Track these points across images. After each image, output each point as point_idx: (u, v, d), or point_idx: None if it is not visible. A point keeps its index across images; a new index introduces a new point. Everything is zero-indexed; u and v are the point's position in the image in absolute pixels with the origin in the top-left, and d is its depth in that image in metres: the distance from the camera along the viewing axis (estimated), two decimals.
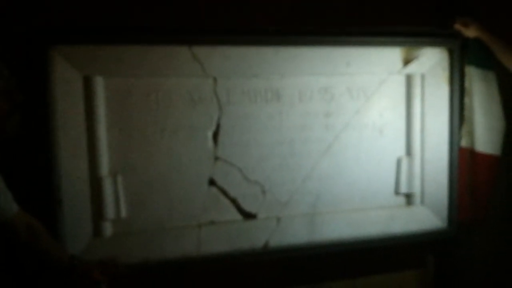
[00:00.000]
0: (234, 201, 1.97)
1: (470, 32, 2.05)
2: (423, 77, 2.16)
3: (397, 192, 2.18)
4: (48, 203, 1.73)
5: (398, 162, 2.17)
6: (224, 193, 1.96)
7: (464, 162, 2.19)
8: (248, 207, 1.99)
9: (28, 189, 1.61)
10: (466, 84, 2.16)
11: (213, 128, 1.93)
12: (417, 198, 2.20)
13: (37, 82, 1.69)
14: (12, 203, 1.42)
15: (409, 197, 2.20)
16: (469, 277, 2.23)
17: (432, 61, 2.15)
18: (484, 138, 2.16)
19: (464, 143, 2.20)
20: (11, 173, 1.40)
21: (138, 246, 1.85)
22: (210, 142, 1.92)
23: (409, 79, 2.15)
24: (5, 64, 1.25)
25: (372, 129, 2.14)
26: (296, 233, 2.04)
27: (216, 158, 1.93)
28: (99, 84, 1.78)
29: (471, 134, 2.18)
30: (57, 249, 1.54)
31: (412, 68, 2.13)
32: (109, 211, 1.81)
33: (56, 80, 1.72)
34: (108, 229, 1.83)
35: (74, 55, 1.73)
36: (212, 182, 1.94)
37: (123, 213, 1.84)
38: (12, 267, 1.70)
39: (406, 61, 2.12)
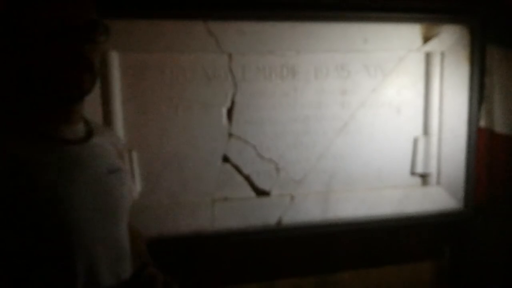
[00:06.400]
0: (247, 178, 1.98)
1: None
2: (443, 55, 2.10)
3: (412, 172, 2.16)
4: None
5: (415, 142, 2.14)
6: (238, 170, 1.96)
7: (483, 143, 2.16)
8: (261, 184, 2.00)
9: None
10: (487, 63, 2.11)
11: (228, 104, 1.92)
12: (433, 178, 2.17)
13: None
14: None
15: (425, 177, 2.17)
16: (484, 259, 2.21)
17: (452, 38, 2.10)
18: (504, 119, 2.11)
19: (483, 123, 2.16)
20: None
21: (152, 220, 1.87)
22: (224, 119, 1.92)
23: (428, 57, 2.10)
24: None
25: (389, 107, 2.11)
26: (310, 211, 2.04)
27: (230, 135, 1.93)
28: (114, 59, 1.77)
29: (490, 114, 2.13)
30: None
31: (432, 45, 2.08)
32: None
33: None
34: None
35: None
36: (226, 159, 1.94)
37: (138, 187, 1.86)
38: None
39: (426, 38, 2.07)
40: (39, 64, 1.00)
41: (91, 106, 1.74)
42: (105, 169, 1.12)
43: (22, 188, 0.96)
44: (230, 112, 1.93)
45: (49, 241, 0.99)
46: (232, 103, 1.92)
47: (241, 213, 1.97)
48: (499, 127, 2.12)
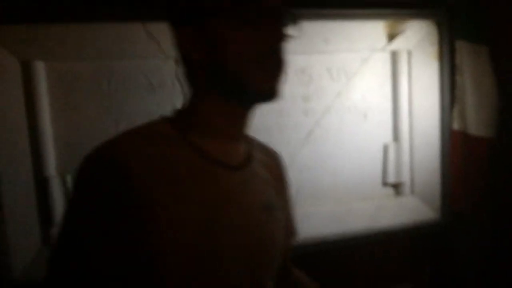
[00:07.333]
0: None
1: None
2: (409, 53, 1.96)
3: (384, 182, 1.98)
4: None
5: (385, 149, 1.98)
6: None
7: (457, 147, 2.00)
8: None
9: None
10: (457, 60, 1.96)
11: None
12: (406, 188, 2.01)
13: None
14: None
15: (397, 187, 2.01)
16: (466, 269, 2.05)
17: (419, 35, 1.95)
18: (478, 120, 1.96)
19: (456, 125, 2.00)
20: None
21: None
22: None
23: (394, 56, 1.95)
24: None
25: (355, 113, 1.94)
26: None
27: None
28: (40, 70, 1.54)
29: (463, 115, 1.98)
30: None
31: (398, 43, 1.93)
32: (59, 216, 1.58)
33: None
34: None
35: (8, 38, 1.49)
36: None
37: None
38: None
39: (391, 36, 1.92)
40: (234, 51, 0.79)
41: (15, 126, 1.52)
42: (259, 205, 0.88)
43: (154, 227, 0.73)
44: None
45: None
46: None
47: None
48: (473, 129, 1.96)
